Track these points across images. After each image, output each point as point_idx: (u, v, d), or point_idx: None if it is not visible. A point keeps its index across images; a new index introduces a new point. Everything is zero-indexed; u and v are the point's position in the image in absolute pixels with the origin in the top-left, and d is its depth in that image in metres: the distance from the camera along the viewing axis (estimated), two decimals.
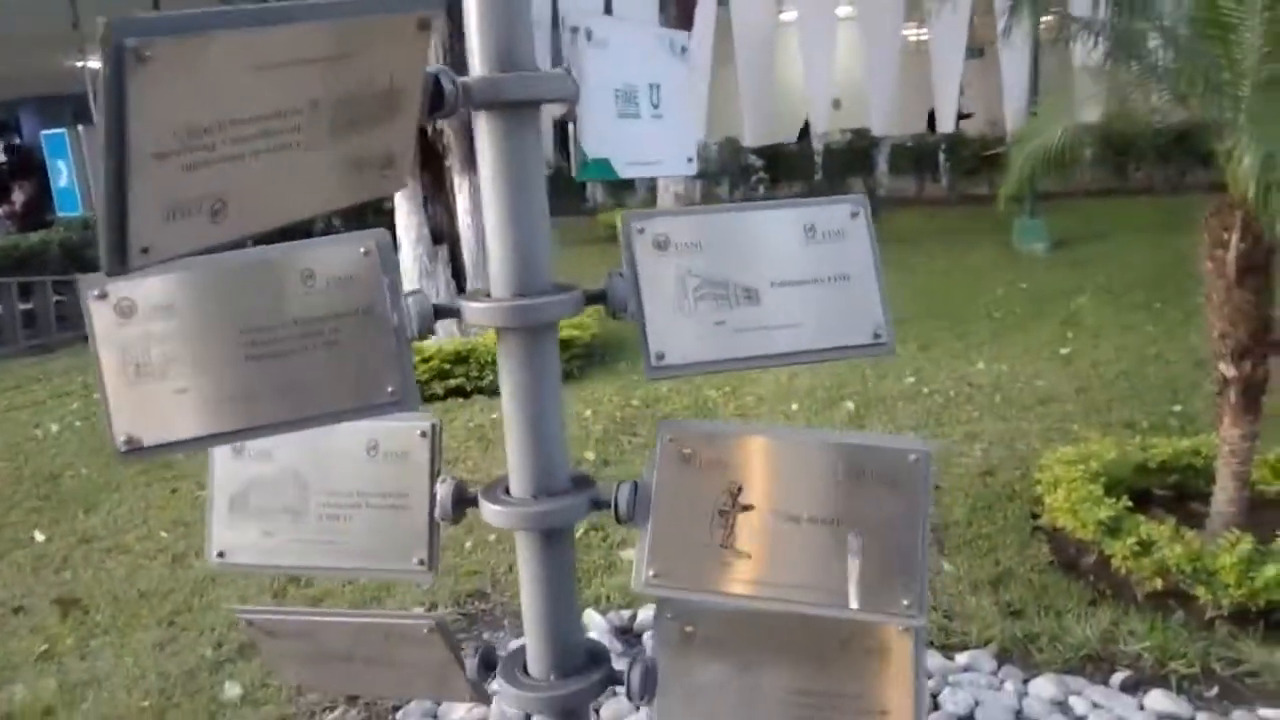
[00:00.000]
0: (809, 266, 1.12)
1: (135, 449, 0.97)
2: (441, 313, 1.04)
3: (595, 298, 1.08)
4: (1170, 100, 3.38)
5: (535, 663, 1.12)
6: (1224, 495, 3.46)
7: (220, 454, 1.18)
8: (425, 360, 6.00)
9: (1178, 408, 5.13)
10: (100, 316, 0.97)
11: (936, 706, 2.68)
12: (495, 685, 1.15)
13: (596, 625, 3.21)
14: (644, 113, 1.24)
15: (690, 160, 1.35)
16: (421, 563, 1.12)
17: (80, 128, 11.23)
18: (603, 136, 1.14)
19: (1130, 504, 3.45)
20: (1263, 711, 2.59)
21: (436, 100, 0.92)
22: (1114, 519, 3.37)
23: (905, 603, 0.99)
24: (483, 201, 1.02)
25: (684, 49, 1.34)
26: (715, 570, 1.04)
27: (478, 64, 0.97)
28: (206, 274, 0.99)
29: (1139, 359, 6.10)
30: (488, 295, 1.04)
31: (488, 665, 1.17)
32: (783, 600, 1.02)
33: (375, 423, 1.14)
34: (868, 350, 1.13)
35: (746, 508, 1.05)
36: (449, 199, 6.80)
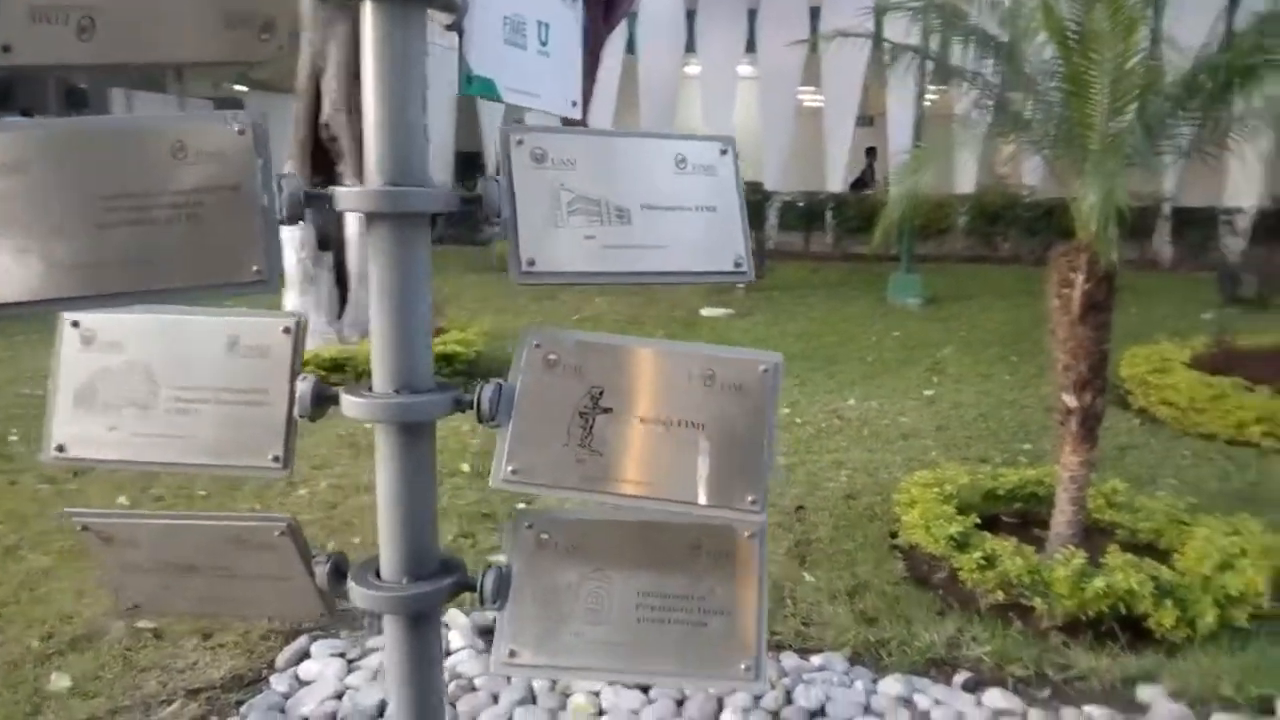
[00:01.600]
0: (678, 194, 1.18)
1: None
2: (312, 200, 1.05)
3: (470, 200, 1.10)
4: (1034, 172, 3.69)
5: (388, 566, 1.12)
6: (1062, 518, 3.70)
7: (69, 344, 1.14)
8: (302, 365, 5.83)
9: (1028, 446, 5.46)
10: None
11: (790, 701, 2.75)
12: (348, 592, 1.13)
13: (459, 625, 3.16)
14: (530, 46, 1.29)
15: (575, 104, 1.39)
16: (276, 459, 1.10)
17: None
18: (488, 55, 1.18)
19: (979, 526, 3.65)
20: (1088, 709, 2.76)
21: None
22: (963, 534, 3.55)
23: (750, 499, 1.04)
24: (364, 92, 1.04)
25: (576, 1, 1.39)
26: (572, 468, 1.07)
27: None
28: (69, 134, 0.96)
29: (996, 403, 6.48)
30: (359, 184, 1.05)
31: (339, 573, 1.15)
32: (634, 497, 1.05)
33: (238, 318, 1.13)
34: (729, 277, 1.19)
35: (605, 410, 1.08)
36: None
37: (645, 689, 2.78)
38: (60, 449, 1.13)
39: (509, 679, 2.78)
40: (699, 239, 1.18)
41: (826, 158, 17.16)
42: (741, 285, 10.80)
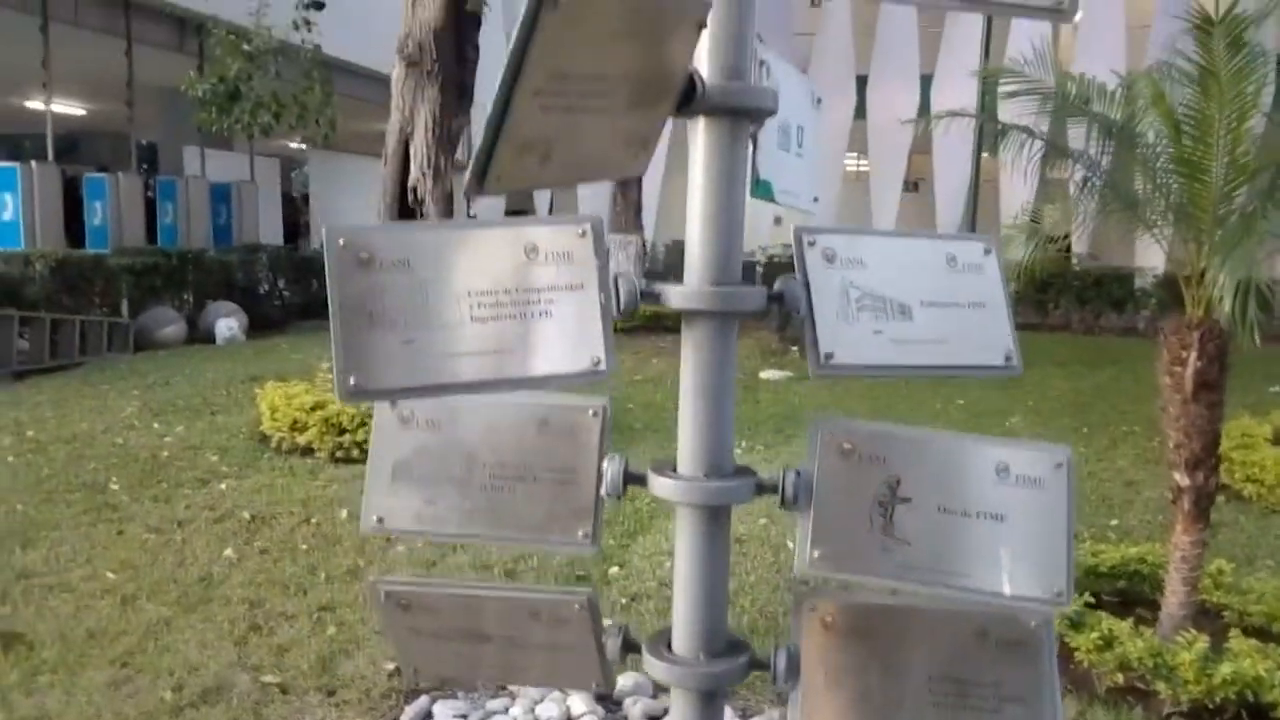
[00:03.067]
0: (952, 291, 1.25)
1: (360, 392, 1.01)
2: (645, 296, 1.13)
3: (774, 298, 1.18)
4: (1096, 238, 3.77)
5: (682, 641, 1.17)
6: (1175, 599, 3.66)
7: (385, 421, 1.22)
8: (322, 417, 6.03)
9: (1114, 522, 5.41)
10: (341, 265, 1.02)
11: None
12: (645, 665, 1.18)
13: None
14: (792, 149, 1.38)
15: (815, 200, 1.48)
16: (586, 536, 1.17)
17: (33, 163, 10.99)
18: (769, 161, 1.27)
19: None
20: None
21: (687, 95, 1.03)
22: (1077, 614, 3.52)
23: (1056, 591, 1.09)
24: (689, 198, 1.13)
25: (819, 100, 1.49)
26: (877, 556, 1.12)
27: (708, 74, 1.09)
28: (440, 237, 1.06)
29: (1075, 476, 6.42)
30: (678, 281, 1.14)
31: (629, 646, 1.21)
32: (940, 585, 1.10)
33: (547, 399, 1.20)
34: (1000, 370, 1.25)
35: (904, 500, 1.14)
36: None
37: None
38: (380, 520, 1.20)
39: None
40: (972, 334, 1.24)
41: (873, 213, 17.32)
42: (796, 348, 10.85)
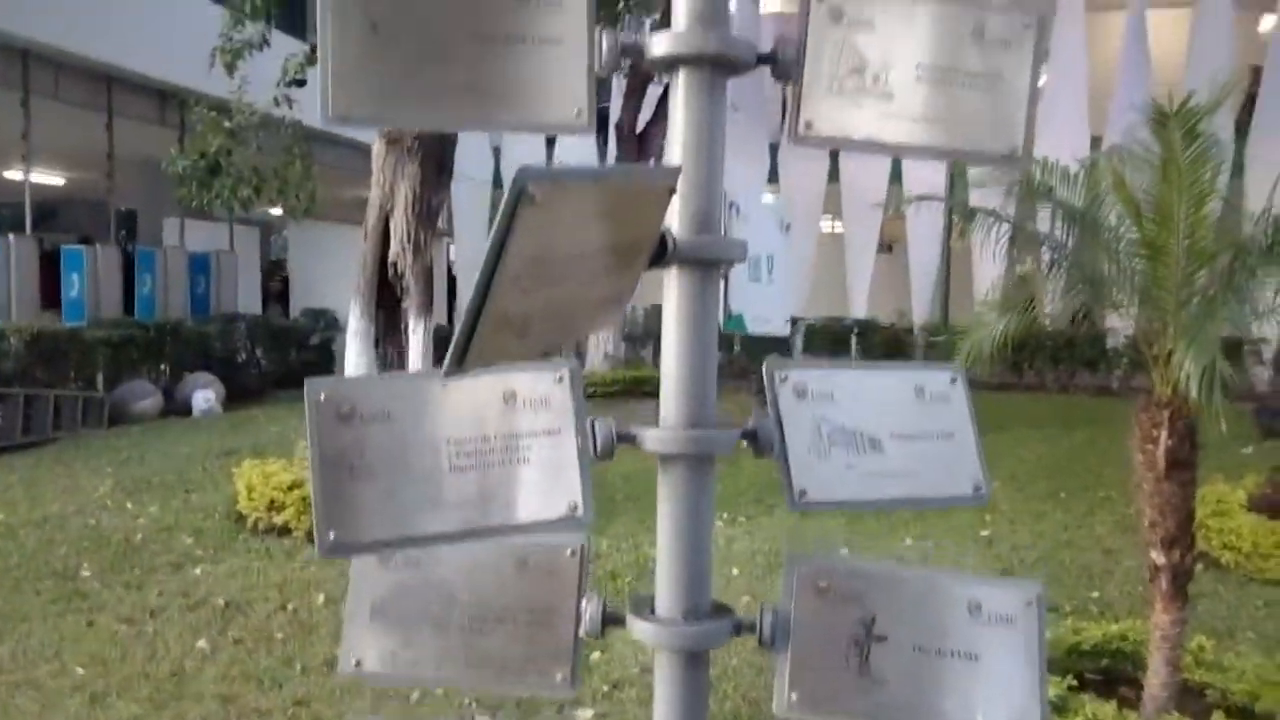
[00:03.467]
0: (920, 422, 1.28)
1: (341, 547, 1.02)
2: (621, 438, 1.15)
3: (748, 436, 1.20)
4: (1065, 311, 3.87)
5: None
6: (1157, 680, 3.66)
7: (363, 561, 1.22)
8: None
9: (1095, 594, 5.42)
10: (322, 420, 1.04)
11: None
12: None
13: None
14: (763, 278, 1.42)
15: (786, 322, 1.51)
16: (564, 679, 1.17)
17: (10, 236, 10.98)
18: (742, 296, 1.31)
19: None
20: None
21: (660, 252, 1.06)
22: (1060, 698, 3.51)
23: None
24: (663, 347, 1.15)
25: (788, 226, 1.53)
26: (854, 697, 1.13)
27: (678, 228, 1.13)
28: (420, 387, 1.08)
29: (1053, 544, 6.45)
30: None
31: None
32: None
33: (527, 539, 1.21)
34: (969, 501, 1.28)
35: (880, 638, 1.15)
36: (402, 340, 6.88)
37: None
38: (358, 664, 1.20)
39: None
40: (942, 465, 1.27)
41: (849, 285, 17.53)
42: None
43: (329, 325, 15.26)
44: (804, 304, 17.30)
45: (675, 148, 1.08)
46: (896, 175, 16.40)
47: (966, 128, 1.15)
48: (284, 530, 6.04)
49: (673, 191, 0.99)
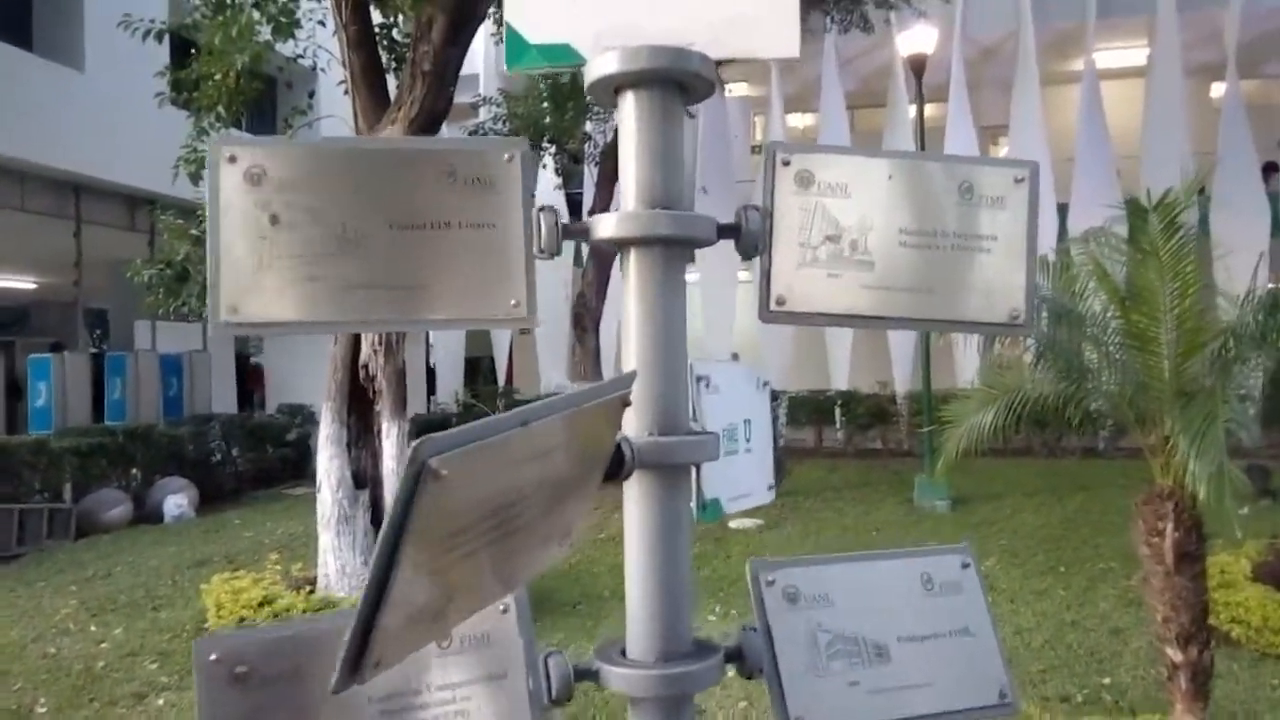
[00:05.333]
0: (932, 619, 1.12)
1: None
2: (582, 674, 0.97)
3: (732, 657, 1.03)
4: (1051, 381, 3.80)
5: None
6: None
7: None
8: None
9: (1107, 680, 5.18)
10: (211, 685, 0.86)
11: None
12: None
13: None
14: (740, 448, 1.27)
15: (770, 488, 1.36)
16: None
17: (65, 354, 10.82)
18: (716, 478, 1.16)
19: None
20: None
21: (615, 465, 0.91)
22: None
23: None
24: (627, 560, 0.99)
25: (766, 384, 1.39)
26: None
27: (635, 430, 0.97)
28: (330, 632, 0.90)
29: (1058, 625, 6.22)
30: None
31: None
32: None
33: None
34: (994, 711, 1.10)
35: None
36: (375, 442, 6.67)
37: None
38: None
39: None
40: (959, 670, 1.10)
41: (829, 357, 17.50)
42: None
43: (306, 420, 14.99)
44: (784, 377, 17.25)
45: (630, 345, 0.93)
46: None
47: (959, 294, 1.01)
48: None
49: (626, 403, 0.84)
